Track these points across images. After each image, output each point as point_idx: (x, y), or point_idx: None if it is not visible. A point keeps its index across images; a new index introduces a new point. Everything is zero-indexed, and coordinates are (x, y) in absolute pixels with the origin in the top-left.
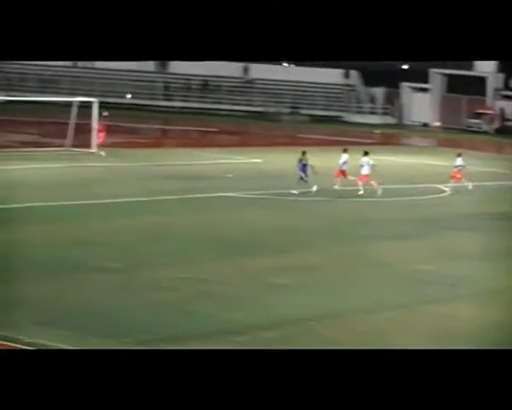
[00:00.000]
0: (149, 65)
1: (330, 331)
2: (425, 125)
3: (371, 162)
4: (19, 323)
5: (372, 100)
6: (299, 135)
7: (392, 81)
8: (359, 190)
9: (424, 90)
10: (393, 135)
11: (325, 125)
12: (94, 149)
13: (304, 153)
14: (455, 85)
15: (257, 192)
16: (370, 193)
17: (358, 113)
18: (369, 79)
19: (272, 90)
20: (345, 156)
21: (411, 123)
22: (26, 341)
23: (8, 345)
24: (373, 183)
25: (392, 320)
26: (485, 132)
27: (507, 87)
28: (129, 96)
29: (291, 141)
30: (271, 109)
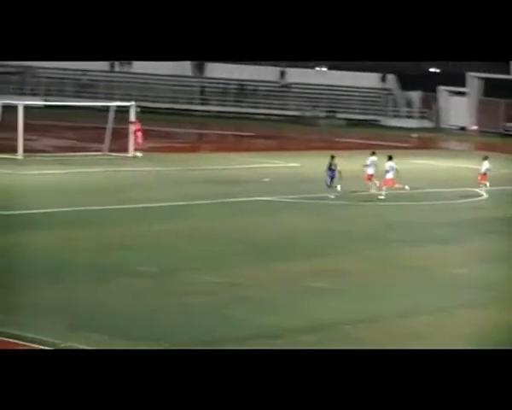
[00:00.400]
0: (186, 69)
1: (366, 335)
2: (462, 128)
3: (395, 167)
4: (55, 327)
5: (409, 104)
6: (336, 139)
7: (428, 85)
8: (381, 194)
9: (461, 93)
10: (430, 139)
11: (362, 129)
12: (131, 154)
13: (332, 157)
14: (492, 89)
15: (293, 196)
16: (395, 197)
17: (395, 117)
18: (406, 83)
19: (308, 95)
20: (371, 159)
21: (448, 127)
22: (62, 345)
23: (16, 343)
24: (397, 186)
25: (429, 324)
26: None
27: None
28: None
29: (327, 145)
30: (308, 113)
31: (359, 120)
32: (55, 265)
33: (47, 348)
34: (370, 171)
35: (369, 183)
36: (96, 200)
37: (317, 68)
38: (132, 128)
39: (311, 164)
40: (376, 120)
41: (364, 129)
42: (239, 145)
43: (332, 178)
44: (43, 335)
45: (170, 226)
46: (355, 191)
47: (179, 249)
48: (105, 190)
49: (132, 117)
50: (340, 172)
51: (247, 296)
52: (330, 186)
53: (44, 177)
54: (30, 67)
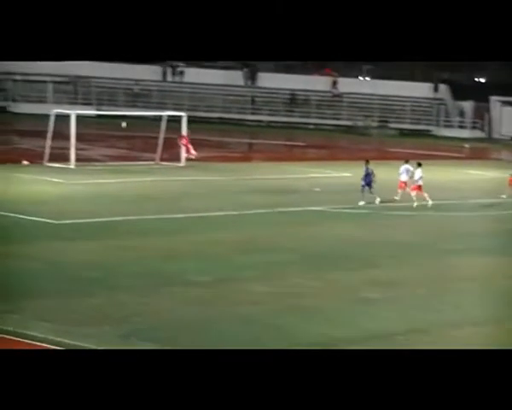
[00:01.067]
0: (238, 79)
1: (419, 346)
2: None
3: (421, 175)
4: (106, 336)
5: (461, 114)
6: (388, 149)
7: (481, 95)
8: (414, 201)
9: None
10: (482, 149)
11: (414, 138)
12: (183, 164)
13: (367, 161)
14: None
15: (345, 206)
16: (444, 207)
17: (447, 127)
18: (458, 93)
19: (360, 104)
20: (405, 167)
21: (501, 137)
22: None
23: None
24: (425, 195)
25: (481, 335)
26: None
27: None
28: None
29: (380, 155)
30: (360, 123)
31: (411, 129)
32: (107, 273)
33: (51, 347)
34: (403, 178)
35: (400, 190)
36: (149, 209)
37: (360, 78)
38: (182, 141)
39: (362, 174)
40: (428, 130)
41: (416, 139)
42: (290, 155)
43: (368, 184)
44: (94, 344)
45: (222, 236)
46: (398, 201)
47: (232, 259)
48: (157, 199)
49: (184, 129)
50: (374, 175)
51: (299, 306)
52: (370, 192)
53: (96, 186)
54: (82, 76)
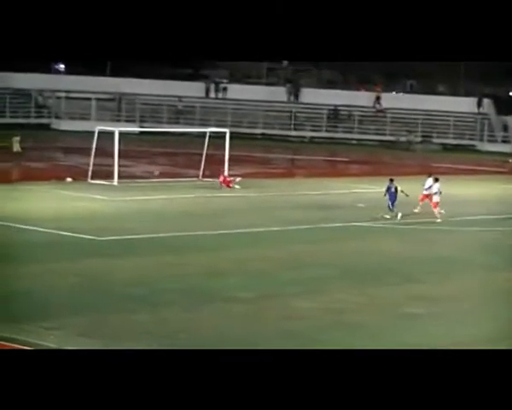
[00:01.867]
0: (280, 95)
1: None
2: None
3: (438, 190)
4: None
5: (505, 128)
6: (431, 164)
7: None
8: (437, 218)
9: None
10: None
11: (457, 153)
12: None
13: (391, 180)
14: None
15: (388, 222)
16: (481, 222)
17: (491, 141)
18: (502, 108)
19: (403, 119)
20: (430, 181)
21: None
22: None
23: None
24: (442, 211)
25: None
26: None
27: None
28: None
29: (423, 170)
30: (402, 138)
31: (455, 144)
32: (150, 290)
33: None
34: (427, 192)
35: (421, 203)
36: (192, 226)
37: (401, 93)
38: (221, 181)
39: (406, 189)
40: (472, 145)
41: (460, 154)
42: (333, 170)
43: (392, 201)
44: None
45: (265, 252)
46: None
47: (275, 274)
48: (201, 215)
49: (227, 146)
50: (402, 192)
51: (343, 321)
52: (391, 210)
53: (139, 203)
54: (126, 93)
